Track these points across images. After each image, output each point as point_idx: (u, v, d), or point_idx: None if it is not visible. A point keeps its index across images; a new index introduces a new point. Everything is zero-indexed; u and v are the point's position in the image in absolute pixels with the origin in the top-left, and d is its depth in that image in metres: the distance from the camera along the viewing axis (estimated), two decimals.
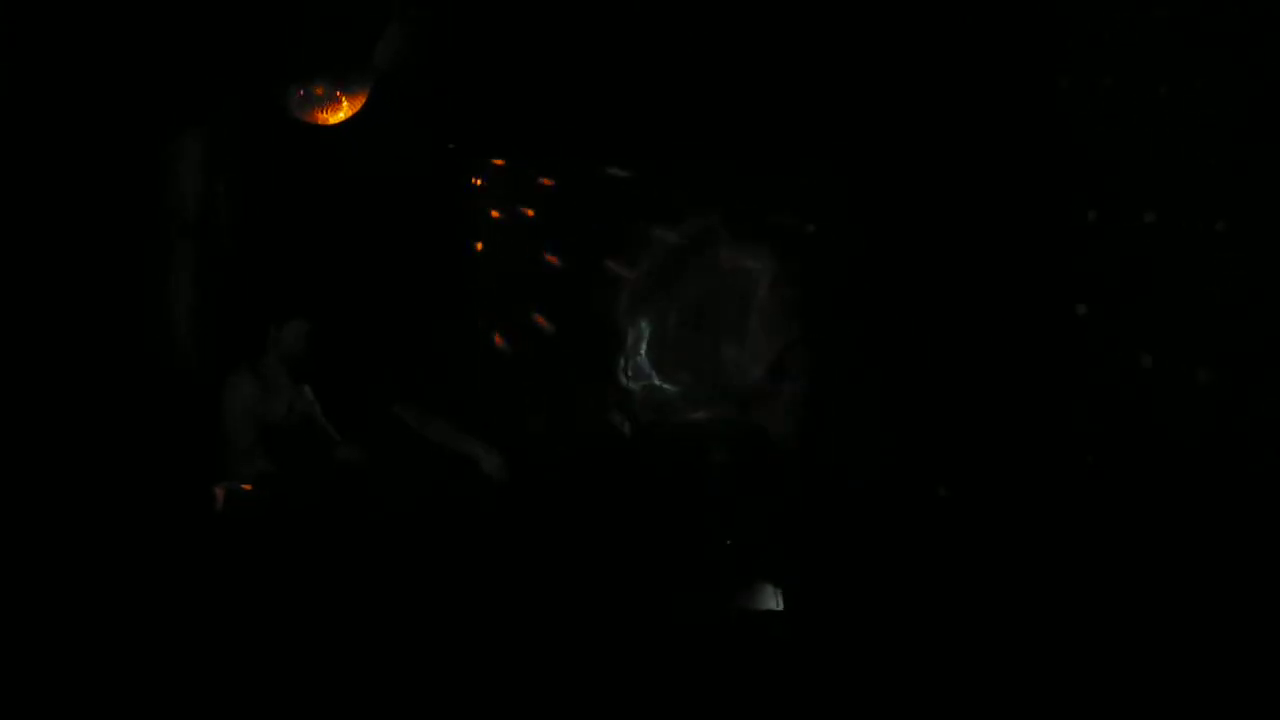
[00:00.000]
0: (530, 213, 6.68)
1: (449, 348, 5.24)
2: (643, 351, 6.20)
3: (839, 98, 5.91)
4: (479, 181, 6.55)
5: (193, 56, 5.03)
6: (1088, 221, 5.32)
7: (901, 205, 5.81)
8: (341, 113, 5.46)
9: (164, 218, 5.10)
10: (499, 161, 6.51)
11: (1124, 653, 4.15)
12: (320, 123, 5.45)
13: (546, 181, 6.51)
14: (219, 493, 4.86)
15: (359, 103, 5.48)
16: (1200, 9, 4.92)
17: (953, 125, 5.70)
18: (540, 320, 5.19)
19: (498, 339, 6.59)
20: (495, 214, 6.69)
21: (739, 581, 5.06)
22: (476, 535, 4.93)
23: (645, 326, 6.47)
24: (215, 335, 5.26)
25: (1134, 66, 5.23)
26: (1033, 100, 5.51)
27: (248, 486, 4.93)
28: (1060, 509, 5.08)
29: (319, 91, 5.37)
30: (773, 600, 4.86)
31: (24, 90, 4.68)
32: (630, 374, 5.28)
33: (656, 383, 5.55)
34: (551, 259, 6.50)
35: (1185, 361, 5.08)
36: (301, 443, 5.15)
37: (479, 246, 6.39)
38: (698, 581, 5.46)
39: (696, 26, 6.08)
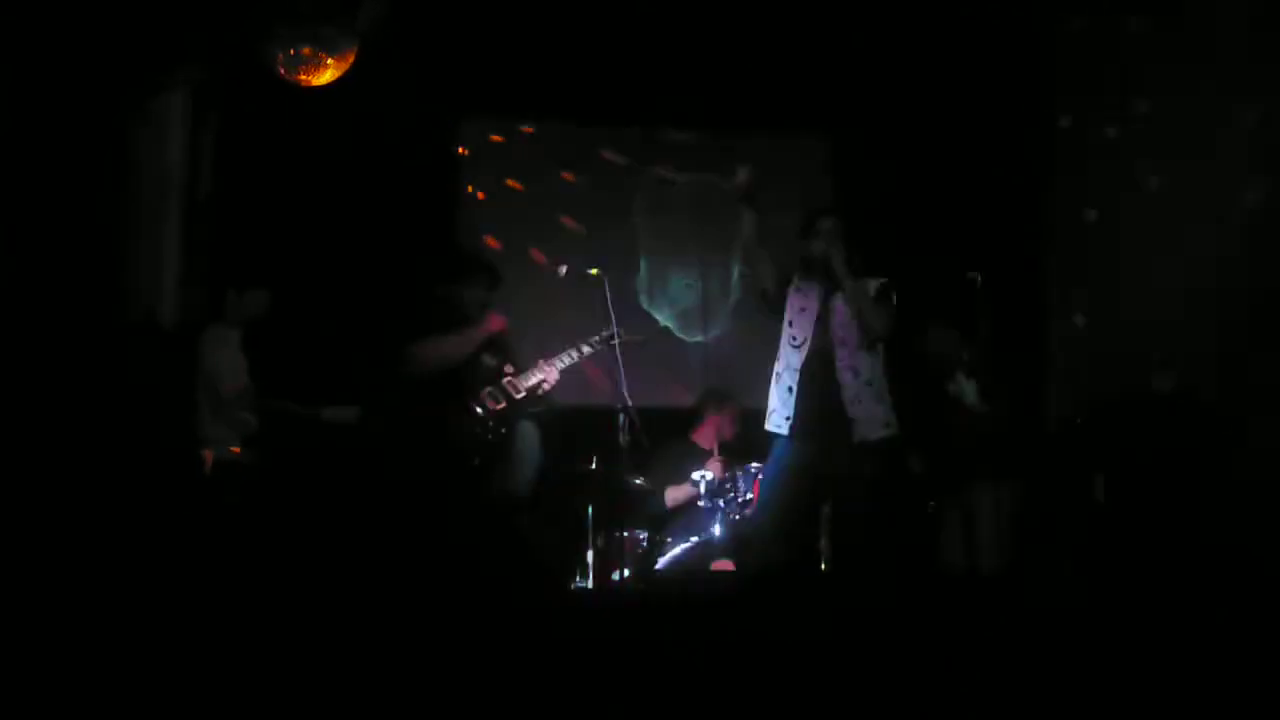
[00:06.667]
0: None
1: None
2: None
3: None
4: (463, 150, 6.48)
5: (179, 15, 4.93)
6: None
7: None
8: (327, 74, 5.37)
9: (149, 179, 4.99)
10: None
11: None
12: (305, 84, 5.37)
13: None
14: (208, 455, 4.80)
15: (345, 65, 5.40)
16: None
17: None
18: None
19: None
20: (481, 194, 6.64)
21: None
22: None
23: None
24: (199, 298, 5.17)
25: None
26: None
27: (236, 450, 4.87)
28: None
29: (305, 52, 5.28)
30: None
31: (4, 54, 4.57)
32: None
33: None
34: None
35: None
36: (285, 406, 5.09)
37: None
38: None
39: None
